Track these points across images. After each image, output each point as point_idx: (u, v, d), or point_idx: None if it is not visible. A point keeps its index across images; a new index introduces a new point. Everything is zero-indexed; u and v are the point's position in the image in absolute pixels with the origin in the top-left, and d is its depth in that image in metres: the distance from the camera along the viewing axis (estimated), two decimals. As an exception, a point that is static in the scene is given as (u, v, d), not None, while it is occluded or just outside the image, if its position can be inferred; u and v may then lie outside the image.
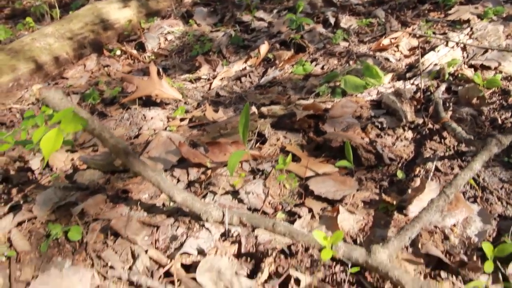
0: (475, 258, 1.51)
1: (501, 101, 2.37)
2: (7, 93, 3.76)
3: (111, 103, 3.29)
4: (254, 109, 2.43)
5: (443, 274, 1.46)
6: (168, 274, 1.60)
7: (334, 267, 1.49)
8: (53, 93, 1.64)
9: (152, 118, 2.83)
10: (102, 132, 1.69)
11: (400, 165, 2.00)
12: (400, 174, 1.90)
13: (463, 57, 2.77)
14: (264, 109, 2.48)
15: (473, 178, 1.82)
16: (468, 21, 3.36)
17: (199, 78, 3.43)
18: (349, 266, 1.44)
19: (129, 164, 1.73)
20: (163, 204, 1.98)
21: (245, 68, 3.43)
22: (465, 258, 1.52)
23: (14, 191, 2.39)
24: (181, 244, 1.70)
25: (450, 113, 2.28)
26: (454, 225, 1.65)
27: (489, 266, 1.33)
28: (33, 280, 1.65)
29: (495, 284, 1.40)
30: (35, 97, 1.60)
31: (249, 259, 1.57)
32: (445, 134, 2.13)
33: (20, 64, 3.81)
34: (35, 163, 2.67)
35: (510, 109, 2.28)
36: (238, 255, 1.59)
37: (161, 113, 2.93)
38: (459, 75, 2.59)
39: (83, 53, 4.31)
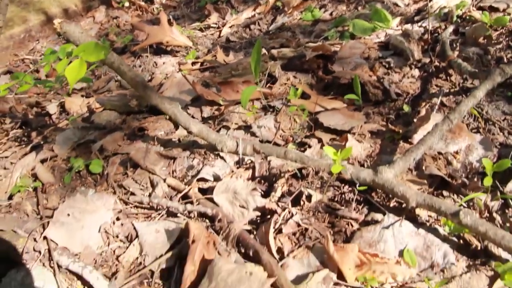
0: (475, 179, 1.60)
1: (507, 41, 2.40)
2: (19, 44, 3.83)
3: (122, 52, 3.35)
4: (264, 51, 2.48)
5: (445, 193, 1.56)
6: (186, 197, 1.71)
7: (343, 187, 1.59)
8: (74, 27, 1.70)
9: (164, 63, 2.89)
10: (121, 65, 1.76)
11: (406, 100, 2.07)
12: (406, 108, 1.97)
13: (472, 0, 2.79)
14: (274, 52, 2.54)
15: (477, 111, 1.88)
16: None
17: (208, 27, 3.47)
18: (357, 185, 1.53)
19: (147, 96, 1.81)
20: (179, 140, 2.07)
21: (254, 16, 3.46)
22: (467, 181, 1.60)
23: (33, 134, 2.49)
24: (198, 172, 1.80)
25: (456, 52, 2.32)
26: (457, 152, 1.73)
27: (488, 181, 1.42)
28: (60, 204, 1.76)
29: (494, 201, 1.49)
30: (56, 30, 1.65)
31: (263, 181, 1.67)
32: (451, 71, 2.18)
33: (30, 15, 3.86)
34: (52, 108, 2.76)
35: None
36: (253, 178, 1.68)
37: (172, 59, 2.99)
38: (467, 17, 2.61)
39: (91, 5, 4.34)
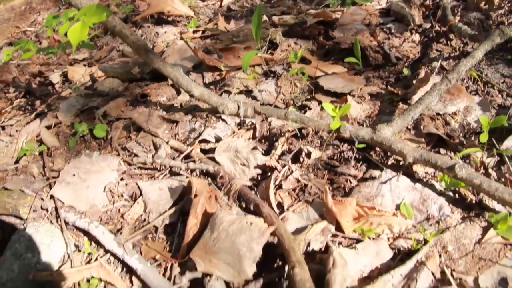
0: (473, 138, 1.63)
1: (509, 6, 2.40)
2: (20, 16, 3.83)
3: (123, 22, 3.34)
4: (265, 18, 2.49)
5: (442, 151, 1.59)
6: (188, 157, 1.74)
7: (342, 146, 1.62)
8: (76, -11, 1.71)
9: (165, 32, 2.90)
10: (123, 29, 1.77)
11: (406, 64, 2.08)
12: (406, 72, 1.99)
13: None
14: (275, 18, 2.54)
15: (477, 74, 1.90)
16: None
17: (209, -4, 3.46)
18: (356, 143, 1.56)
19: (149, 60, 1.83)
20: (181, 105, 2.10)
21: (255, -15, 3.44)
22: (464, 140, 1.63)
23: (37, 102, 2.52)
24: (200, 134, 1.83)
25: (457, 18, 2.32)
26: (455, 113, 1.76)
27: (483, 137, 1.44)
28: (66, 165, 1.80)
29: (490, 158, 1.52)
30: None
31: (263, 140, 1.70)
32: (451, 36, 2.19)
33: (31, -13, 3.85)
34: (55, 78, 2.78)
35: (519, 14, 2.32)
36: (253, 138, 1.72)
37: (173, 29, 2.99)
38: (469, -17, 2.60)
39: (92, -23, 4.30)
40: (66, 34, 1.59)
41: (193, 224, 1.36)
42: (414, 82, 1.89)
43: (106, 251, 1.46)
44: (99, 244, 1.48)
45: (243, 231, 1.22)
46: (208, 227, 1.31)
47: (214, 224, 1.28)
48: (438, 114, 1.75)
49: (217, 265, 1.23)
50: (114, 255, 1.43)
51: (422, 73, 1.92)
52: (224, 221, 1.27)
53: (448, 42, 2.18)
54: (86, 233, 1.53)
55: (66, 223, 1.56)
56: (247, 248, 1.19)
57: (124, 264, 1.40)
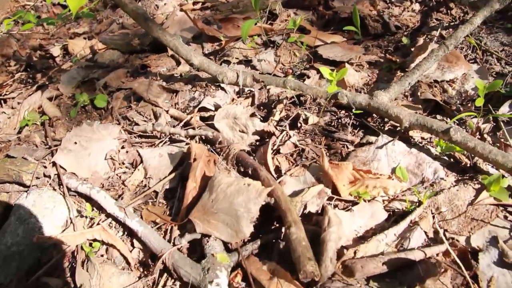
0: (469, 105, 1.64)
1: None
2: (20, -10, 3.80)
3: (123, -5, 3.33)
4: (265, -12, 2.47)
5: (439, 117, 1.60)
6: (187, 125, 1.76)
7: (339, 112, 1.64)
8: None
9: (165, 4, 2.89)
10: (122, -4, 1.77)
11: (405, 33, 2.08)
12: (405, 41, 1.99)
13: None
14: (275, -11, 2.52)
15: (476, 42, 1.90)
16: None
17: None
18: (353, 110, 1.58)
19: (148, 28, 1.83)
20: (181, 75, 2.11)
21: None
22: (461, 107, 1.64)
23: (38, 75, 2.53)
24: (199, 103, 1.84)
25: (459, -13, 2.31)
26: (453, 81, 1.77)
27: (479, 102, 1.45)
28: (68, 133, 1.83)
29: (485, 123, 1.54)
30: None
31: (262, 107, 1.72)
32: (451, 5, 2.18)
33: (30, -40, 3.80)
34: (55, 51, 2.79)
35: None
36: (252, 105, 1.73)
37: (173, 1, 2.98)
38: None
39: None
40: (65, 6, 1.60)
41: (192, 187, 1.39)
42: (412, 50, 1.89)
43: (108, 215, 1.49)
44: (101, 209, 1.52)
45: (241, 192, 1.25)
46: (206, 189, 1.33)
47: (212, 186, 1.31)
48: (435, 81, 1.75)
49: (216, 225, 1.26)
50: (115, 218, 1.46)
51: (421, 41, 1.92)
52: (222, 183, 1.29)
53: (448, 11, 2.17)
54: (88, 198, 1.56)
55: (69, 189, 1.60)
56: (244, 208, 1.22)
57: (125, 228, 1.44)
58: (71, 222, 1.52)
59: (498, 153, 1.28)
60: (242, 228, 1.22)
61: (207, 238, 1.27)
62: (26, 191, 1.60)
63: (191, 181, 1.39)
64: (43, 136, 1.95)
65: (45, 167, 1.70)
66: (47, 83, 2.40)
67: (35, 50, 2.91)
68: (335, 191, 1.37)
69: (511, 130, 1.49)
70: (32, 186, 1.62)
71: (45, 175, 1.67)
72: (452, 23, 2.11)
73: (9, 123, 2.16)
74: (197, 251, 1.28)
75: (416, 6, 2.24)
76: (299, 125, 1.58)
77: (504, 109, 1.56)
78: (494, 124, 1.55)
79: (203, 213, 1.28)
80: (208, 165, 1.44)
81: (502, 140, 1.47)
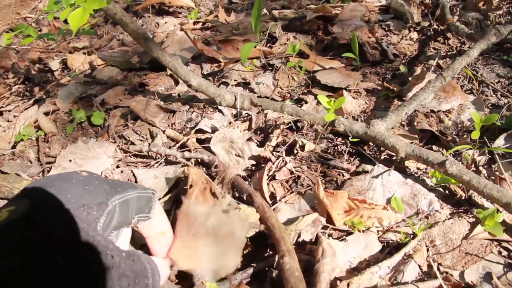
0: (465, 136, 1.65)
1: (508, 7, 2.41)
2: (21, 2, 3.83)
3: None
4: (265, 11, 2.50)
5: (435, 147, 1.61)
6: (184, 147, 1.76)
7: (336, 139, 1.64)
8: (76, -24, 1.71)
9: (165, 23, 2.91)
10: (123, 16, 1.78)
11: (403, 61, 2.10)
12: (402, 69, 2.00)
13: (475, -34, 2.78)
14: (275, 12, 2.55)
15: (472, 73, 1.92)
16: None
17: (211, -12, 3.46)
18: (350, 138, 1.58)
19: (148, 48, 1.84)
20: (179, 95, 2.11)
21: (257, -21, 3.44)
22: (456, 138, 1.65)
23: (36, 89, 2.53)
24: (196, 124, 1.84)
25: (456, 17, 2.34)
26: (449, 111, 1.78)
27: (475, 134, 1.46)
28: (63, 150, 1.82)
29: (481, 156, 1.55)
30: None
31: (259, 132, 1.72)
32: (449, 35, 2.21)
33: (33, -27, 3.83)
34: (54, 65, 2.79)
35: (516, 15, 2.34)
36: (249, 129, 1.73)
37: (174, 20, 3.00)
38: (469, -17, 2.61)
39: (94, -34, 4.29)
40: (66, 20, 1.60)
41: (186, 212, 1.37)
42: (410, 79, 1.91)
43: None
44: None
45: (223, 223, 1.23)
46: (182, 222, 1.30)
47: (188, 220, 1.28)
48: (432, 111, 1.77)
49: (198, 262, 1.23)
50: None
51: (418, 71, 1.94)
52: (198, 215, 1.26)
53: (446, 40, 2.20)
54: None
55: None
56: (230, 240, 1.20)
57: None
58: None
59: (493, 188, 1.28)
60: (228, 262, 1.19)
61: (198, 266, 1.25)
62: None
63: (185, 206, 1.38)
64: (38, 152, 1.94)
65: (38, 184, 1.69)
66: (44, 97, 2.39)
67: (34, 63, 2.91)
68: (329, 220, 1.36)
69: (506, 163, 1.50)
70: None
71: (38, 193, 1.65)
72: (450, 53, 2.13)
73: (4, 136, 2.15)
74: (187, 278, 1.27)
75: (414, 35, 2.26)
76: (295, 151, 1.58)
77: (499, 142, 1.57)
78: (490, 156, 1.56)
79: (184, 249, 1.25)
80: (204, 193, 1.43)
81: (497, 173, 1.47)
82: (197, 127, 1.80)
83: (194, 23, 2.77)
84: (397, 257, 1.23)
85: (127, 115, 2.03)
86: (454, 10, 2.43)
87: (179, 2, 3.03)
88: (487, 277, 1.19)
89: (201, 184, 1.47)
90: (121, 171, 1.73)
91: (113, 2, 1.79)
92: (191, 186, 1.45)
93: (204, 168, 1.62)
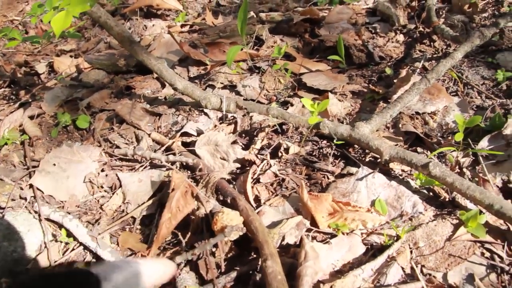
0: (450, 138, 1.65)
1: (493, 10, 2.43)
2: (8, 5, 3.80)
3: (112, 14, 3.33)
4: (253, 14, 2.50)
5: (420, 149, 1.61)
6: (169, 150, 1.75)
7: (321, 142, 1.64)
8: (60, -21, 1.70)
9: (153, 25, 2.90)
10: (108, 20, 1.77)
11: (389, 63, 2.10)
12: (388, 71, 2.01)
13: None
14: (262, 15, 2.55)
15: (457, 75, 1.92)
16: None
17: (199, -9, 3.45)
18: (335, 140, 1.58)
19: (133, 51, 1.83)
20: (165, 98, 2.11)
21: (245, -19, 3.44)
22: (441, 139, 1.66)
23: (22, 92, 2.51)
24: (182, 127, 1.84)
25: (442, 20, 2.35)
26: (434, 113, 1.78)
27: (459, 136, 1.46)
28: (47, 154, 1.80)
29: (465, 158, 1.55)
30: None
31: (244, 135, 1.71)
32: (435, 37, 2.22)
33: (20, -24, 3.81)
34: (41, 68, 2.77)
35: (501, 17, 2.34)
36: (234, 132, 1.73)
37: (162, 22, 2.99)
38: (455, -14, 2.63)
39: (82, -32, 4.27)
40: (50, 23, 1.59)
41: (166, 218, 1.37)
42: (395, 81, 1.91)
43: (80, 243, 1.46)
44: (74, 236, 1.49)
45: None
46: None
47: None
48: (417, 113, 1.77)
49: None
50: (87, 248, 1.44)
51: (403, 73, 1.94)
52: None
53: (431, 43, 2.21)
54: (61, 225, 1.53)
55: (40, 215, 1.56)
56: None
57: (97, 257, 1.41)
58: (45, 246, 1.49)
59: (476, 189, 1.28)
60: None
61: (179, 270, 1.25)
62: (1, 213, 1.57)
63: (167, 212, 1.37)
64: (22, 156, 1.92)
65: (21, 188, 1.68)
66: (30, 100, 2.37)
67: (20, 66, 2.89)
68: (314, 222, 1.36)
69: (490, 165, 1.50)
70: (7, 208, 1.59)
71: (21, 197, 1.64)
72: (435, 55, 2.14)
73: (-13, 140, 2.12)
74: (171, 283, 1.26)
75: (400, 37, 2.27)
76: (280, 154, 1.57)
77: (483, 143, 1.58)
78: (474, 158, 1.56)
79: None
80: (185, 196, 1.42)
81: (481, 175, 1.48)
82: (182, 130, 1.79)
83: (182, 25, 2.76)
84: (381, 259, 1.23)
85: (112, 118, 2.02)
86: (440, 13, 2.45)
87: (168, 5, 3.01)
88: (470, 278, 1.19)
89: (183, 188, 1.46)
90: (106, 175, 1.72)
91: (97, 5, 1.78)
92: (173, 190, 1.44)
93: (188, 172, 1.62)
